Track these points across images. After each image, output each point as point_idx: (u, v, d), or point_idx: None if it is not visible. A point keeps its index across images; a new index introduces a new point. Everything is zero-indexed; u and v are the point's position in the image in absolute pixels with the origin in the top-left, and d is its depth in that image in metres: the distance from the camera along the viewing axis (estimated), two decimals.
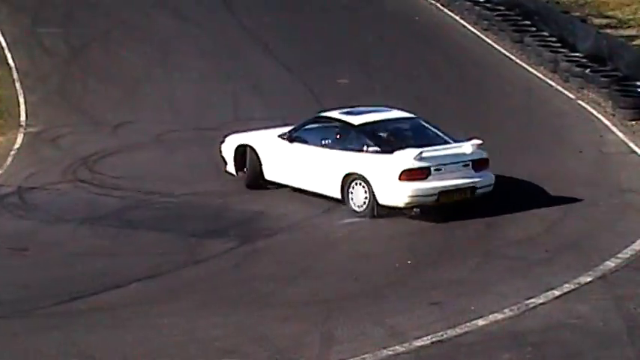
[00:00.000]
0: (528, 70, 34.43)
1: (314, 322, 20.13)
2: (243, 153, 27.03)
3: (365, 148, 25.54)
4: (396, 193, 24.74)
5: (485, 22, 37.89)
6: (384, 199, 24.90)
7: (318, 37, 36.68)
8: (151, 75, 33.23)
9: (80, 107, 30.82)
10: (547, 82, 33.55)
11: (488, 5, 38.75)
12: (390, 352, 19.09)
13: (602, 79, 32.50)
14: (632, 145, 29.44)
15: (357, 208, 25.33)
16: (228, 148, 27.30)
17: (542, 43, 35.38)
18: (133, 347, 19.36)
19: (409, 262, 22.97)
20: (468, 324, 20.02)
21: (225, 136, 27.57)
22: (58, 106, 30.91)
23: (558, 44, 35.16)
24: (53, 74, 33.06)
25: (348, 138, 26.06)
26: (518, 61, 35.15)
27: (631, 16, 36.12)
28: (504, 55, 35.70)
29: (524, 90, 33.17)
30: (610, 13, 36.55)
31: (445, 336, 19.71)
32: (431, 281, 22.08)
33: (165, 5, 38.25)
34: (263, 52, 35.23)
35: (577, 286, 21.74)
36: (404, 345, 19.30)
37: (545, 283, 21.62)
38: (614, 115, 31.21)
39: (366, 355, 18.93)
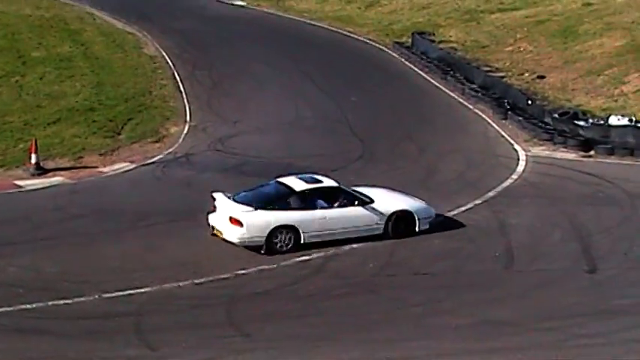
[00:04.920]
0: (448, 94, 34.11)
1: None
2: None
3: None
4: None
5: (427, 68, 37.48)
6: None
7: (340, 75, 36.41)
8: (254, 95, 33.13)
9: (217, 112, 30.64)
10: (458, 100, 33.27)
11: (428, 59, 38.23)
12: None
13: (487, 98, 32.14)
14: (502, 132, 29.32)
15: None
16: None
17: (456, 80, 35.03)
18: None
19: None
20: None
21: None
22: (206, 111, 30.66)
23: (464, 80, 34.83)
24: (203, 95, 32.87)
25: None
26: (443, 88, 34.82)
27: (502, 66, 35.92)
28: (436, 85, 35.37)
29: (446, 105, 32.98)
30: (492, 64, 36.32)
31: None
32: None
33: (260, 59, 38.00)
34: (310, 82, 35.12)
35: (473, 205, 21.88)
36: None
37: (457, 203, 21.74)
38: (493, 116, 31.07)
39: None
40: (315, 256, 18.44)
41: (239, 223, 18.40)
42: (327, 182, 19.80)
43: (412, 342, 14.40)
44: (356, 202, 19.38)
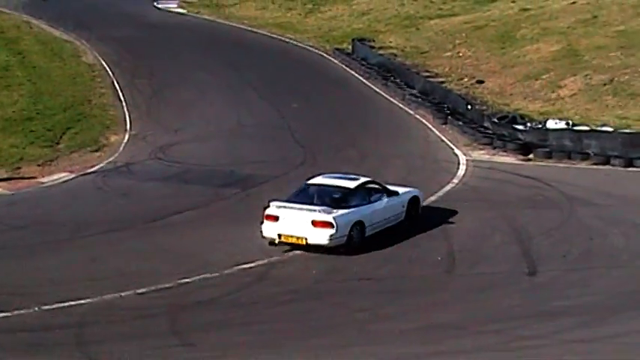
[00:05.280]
0: (389, 100, 34.30)
1: None
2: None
3: None
4: None
5: (367, 74, 37.71)
6: None
7: (281, 81, 36.57)
8: (194, 103, 33.03)
9: (157, 120, 30.60)
10: (398, 106, 33.48)
11: (369, 65, 38.49)
12: None
13: (427, 103, 32.43)
14: (443, 137, 29.58)
15: None
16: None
17: (397, 85, 35.26)
18: (180, 244, 19.29)
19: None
20: None
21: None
22: (146, 120, 30.62)
23: (405, 86, 35.03)
24: (143, 104, 32.75)
25: None
26: (384, 94, 35.02)
27: (441, 72, 36.22)
28: (376, 91, 35.55)
29: (387, 110, 33.15)
30: (431, 70, 36.60)
31: None
32: None
33: (201, 67, 37.99)
34: (251, 89, 35.10)
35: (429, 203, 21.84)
36: None
37: None
38: (433, 121, 31.25)
39: None
40: (257, 263, 18.37)
41: (329, 224, 18.60)
42: (363, 177, 20.39)
43: (357, 347, 14.39)
44: (386, 193, 20.29)
